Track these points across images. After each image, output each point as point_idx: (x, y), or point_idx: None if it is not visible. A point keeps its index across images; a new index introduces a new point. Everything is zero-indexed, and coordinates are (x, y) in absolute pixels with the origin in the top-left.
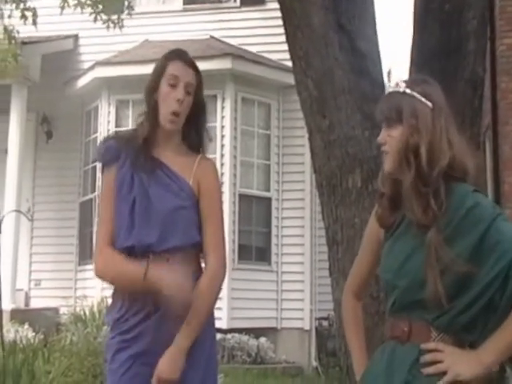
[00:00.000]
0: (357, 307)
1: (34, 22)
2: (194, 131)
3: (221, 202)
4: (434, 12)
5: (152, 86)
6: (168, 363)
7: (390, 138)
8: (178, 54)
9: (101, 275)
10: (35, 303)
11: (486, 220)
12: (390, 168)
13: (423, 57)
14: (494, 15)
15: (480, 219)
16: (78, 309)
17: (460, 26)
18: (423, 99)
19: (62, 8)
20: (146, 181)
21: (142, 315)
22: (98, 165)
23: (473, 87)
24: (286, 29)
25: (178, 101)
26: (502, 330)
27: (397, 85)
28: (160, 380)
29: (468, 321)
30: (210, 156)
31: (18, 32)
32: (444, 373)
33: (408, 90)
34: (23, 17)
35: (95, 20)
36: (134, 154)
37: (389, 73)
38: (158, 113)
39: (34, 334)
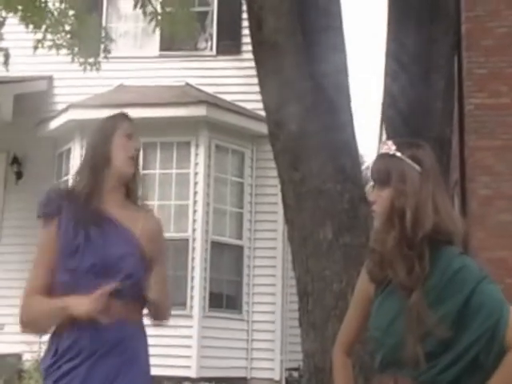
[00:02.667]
0: (347, 364)
1: (6, 63)
2: (135, 184)
3: (166, 258)
4: (403, 72)
5: (105, 139)
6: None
7: (380, 198)
8: (125, 116)
9: (25, 326)
10: None
11: (471, 283)
12: (378, 226)
13: (392, 116)
14: (462, 76)
15: (465, 282)
16: (42, 355)
17: (428, 87)
18: (412, 163)
19: (35, 48)
20: (92, 234)
21: (75, 362)
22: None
23: (440, 145)
24: (259, 79)
25: (136, 150)
26: None
27: (388, 146)
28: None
29: (452, 379)
30: (183, 202)
31: None
32: None
33: (398, 154)
34: None
35: (72, 61)
36: (78, 208)
37: None
38: (105, 167)
39: None
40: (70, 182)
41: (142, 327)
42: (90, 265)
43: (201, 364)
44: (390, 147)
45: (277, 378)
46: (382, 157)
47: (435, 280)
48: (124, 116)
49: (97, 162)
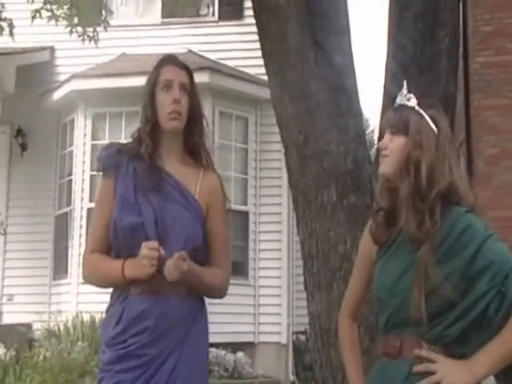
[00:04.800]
0: (352, 328)
1: (11, 33)
2: (194, 137)
3: (227, 219)
4: (407, 30)
5: (147, 99)
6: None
7: (392, 144)
8: (169, 60)
9: (87, 282)
10: (7, 319)
11: (478, 241)
12: (386, 170)
13: (397, 73)
14: (467, 34)
15: (471, 240)
16: (51, 324)
17: (432, 44)
18: (431, 123)
19: (33, 18)
20: (150, 195)
21: (142, 341)
22: (98, 172)
23: (445, 104)
24: (261, 44)
25: (175, 101)
26: (496, 343)
27: (408, 99)
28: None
29: (459, 333)
30: None
31: None
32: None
33: (418, 108)
34: None
35: (70, 33)
36: (138, 165)
37: None
38: (157, 124)
39: (5, 350)
40: (131, 141)
41: (200, 299)
42: (147, 223)
43: (210, 330)
44: (412, 100)
45: (284, 341)
46: (402, 107)
47: (441, 239)
48: (163, 62)
49: (148, 124)
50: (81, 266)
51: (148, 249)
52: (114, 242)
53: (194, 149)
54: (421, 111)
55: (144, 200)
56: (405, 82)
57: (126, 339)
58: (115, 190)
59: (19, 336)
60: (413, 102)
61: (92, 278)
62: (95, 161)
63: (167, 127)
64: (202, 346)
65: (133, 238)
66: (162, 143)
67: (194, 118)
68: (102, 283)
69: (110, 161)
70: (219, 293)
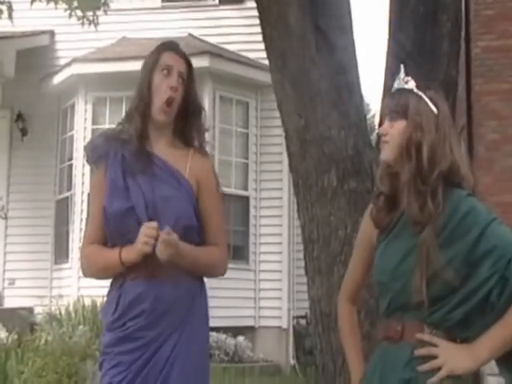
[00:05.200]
0: (352, 312)
1: (10, 16)
2: (186, 125)
3: (220, 197)
4: (408, 14)
5: (144, 79)
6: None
7: (393, 130)
8: (171, 45)
9: (87, 275)
10: (9, 303)
11: (481, 224)
12: (388, 157)
13: (398, 58)
14: (469, 18)
15: (474, 224)
16: (53, 308)
17: (434, 28)
18: (430, 104)
19: (33, 1)
20: (139, 178)
21: (140, 324)
22: (87, 164)
23: (446, 88)
24: (262, 28)
25: (172, 88)
26: (499, 327)
27: (406, 82)
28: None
29: (462, 318)
30: None
31: None
32: (438, 368)
33: (416, 90)
34: None
35: (70, 16)
36: (126, 150)
37: None
38: (150, 107)
39: (7, 334)
40: (119, 125)
41: (198, 280)
42: (137, 206)
43: (210, 314)
44: (410, 83)
45: (284, 326)
46: (400, 91)
47: (444, 222)
48: (165, 46)
49: (140, 106)
50: (79, 259)
51: (147, 228)
52: (107, 229)
53: (186, 131)
54: (419, 93)
55: (133, 184)
56: (402, 66)
57: (124, 322)
58: (106, 178)
59: (21, 320)
60: (411, 85)
61: (91, 270)
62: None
63: (157, 118)
64: (202, 328)
65: (123, 223)
66: (152, 127)
67: (189, 109)
68: (101, 275)
69: (97, 153)
70: (217, 271)
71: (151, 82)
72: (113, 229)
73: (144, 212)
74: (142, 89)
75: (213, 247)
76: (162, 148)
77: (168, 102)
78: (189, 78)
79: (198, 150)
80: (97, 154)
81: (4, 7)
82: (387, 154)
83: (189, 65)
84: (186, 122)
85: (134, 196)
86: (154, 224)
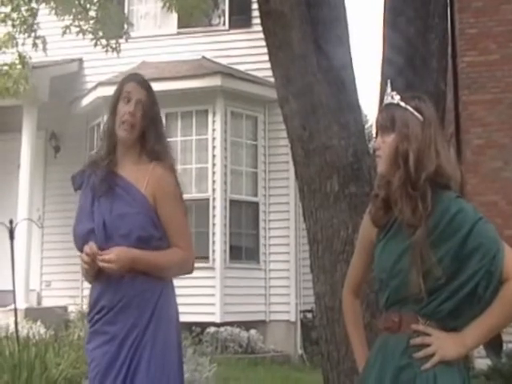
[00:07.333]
0: (355, 304)
1: (44, 49)
2: (150, 142)
3: (179, 202)
4: (401, 33)
5: (111, 107)
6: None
7: (384, 144)
8: (132, 77)
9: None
10: (46, 302)
11: (468, 224)
12: (381, 170)
13: (392, 73)
14: (455, 36)
15: (463, 223)
16: (84, 307)
17: (424, 46)
18: (415, 112)
19: (64, 33)
20: (102, 199)
21: (101, 317)
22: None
23: (436, 99)
24: (268, 50)
25: (129, 113)
26: (485, 317)
27: (392, 97)
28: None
29: (452, 309)
30: (203, 165)
31: (30, 58)
32: (432, 355)
33: (402, 103)
34: (35, 45)
35: (95, 45)
36: (96, 174)
37: None
38: (114, 134)
39: (45, 330)
40: (98, 147)
41: (161, 281)
42: (97, 227)
43: (224, 310)
44: (395, 97)
45: (292, 319)
46: (387, 106)
47: (435, 223)
48: (128, 77)
49: (108, 130)
50: None
51: (84, 253)
52: (76, 248)
53: (148, 147)
54: (403, 104)
55: (98, 206)
56: (388, 81)
57: (92, 317)
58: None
59: (57, 317)
60: (396, 99)
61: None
62: None
63: (118, 134)
64: (167, 324)
65: (86, 243)
66: (119, 149)
67: (150, 128)
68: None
69: (78, 181)
70: (181, 271)
71: (116, 108)
72: (80, 248)
73: (102, 231)
74: (110, 114)
75: (175, 249)
76: (128, 166)
77: (124, 123)
78: (148, 102)
79: (161, 163)
80: (78, 182)
81: (39, 41)
82: (381, 167)
83: (148, 92)
84: (148, 139)
85: (96, 218)
86: (86, 248)
